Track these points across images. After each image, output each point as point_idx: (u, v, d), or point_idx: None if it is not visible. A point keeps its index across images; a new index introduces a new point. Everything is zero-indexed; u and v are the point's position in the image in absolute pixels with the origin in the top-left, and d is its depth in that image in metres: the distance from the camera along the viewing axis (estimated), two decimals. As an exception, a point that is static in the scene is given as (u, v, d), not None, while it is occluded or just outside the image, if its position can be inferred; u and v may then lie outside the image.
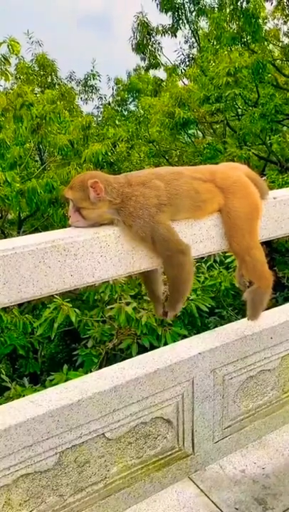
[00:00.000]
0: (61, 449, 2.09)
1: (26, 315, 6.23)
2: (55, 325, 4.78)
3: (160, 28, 13.50)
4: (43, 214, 9.69)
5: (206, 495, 2.45)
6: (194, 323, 5.64)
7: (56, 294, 4.94)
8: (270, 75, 11.64)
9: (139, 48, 13.73)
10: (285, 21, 13.29)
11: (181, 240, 2.04)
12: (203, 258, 6.54)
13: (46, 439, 2.03)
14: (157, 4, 12.99)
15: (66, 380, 3.41)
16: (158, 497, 2.43)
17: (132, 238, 1.99)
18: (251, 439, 2.77)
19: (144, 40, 13.52)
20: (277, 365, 2.77)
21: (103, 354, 5.14)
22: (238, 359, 2.57)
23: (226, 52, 11.16)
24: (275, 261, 9.88)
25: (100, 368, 3.93)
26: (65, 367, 5.00)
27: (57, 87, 14.11)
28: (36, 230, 9.73)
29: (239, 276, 2.60)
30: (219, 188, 2.17)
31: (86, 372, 4.64)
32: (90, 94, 16.52)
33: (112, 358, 5.15)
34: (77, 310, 5.00)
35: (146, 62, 14.40)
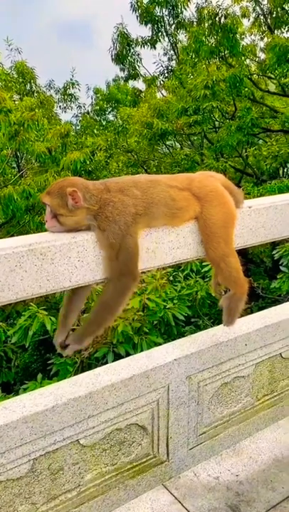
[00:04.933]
0: (34, 455, 2.06)
1: (0, 323, 6.13)
2: (30, 333, 4.72)
3: (140, 40, 13.68)
4: (19, 221, 9.62)
5: (180, 502, 2.45)
6: (170, 332, 5.64)
7: (31, 302, 4.91)
8: (247, 89, 11.89)
9: (119, 58, 13.87)
10: (261, 37, 13.65)
11: (138, 265, 2.02)
12: (180, 267, 6.59)
13: (19, 446, 2.00)
14: (137, 16, 13.17)
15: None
16: (132, 505, 2.42)
17: (101, 243, 1.96)
18: (225, 445, 2.79)
19: (123, 51, 13.67)
20: (251, 371, 2.80)
21: (78, 363, 5.09)
22: (212, 365, 2.59)
23: (204, 66, 11.40)
24: (250, 271, 10.01)
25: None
26: (40, 376, 4.93)
27: (36, 94, 14.08)
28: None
29: (215, 284, 2.63)
30: (196, 196, 2.20)
31: (61, 381, 4.58)
32: (69, 102, 16.55)
33: (87, 367, 5.10)
34: (52, 318, 4.95)
35: (126, 72, 14.55)
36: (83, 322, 2.10)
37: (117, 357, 4.69)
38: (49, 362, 5.60)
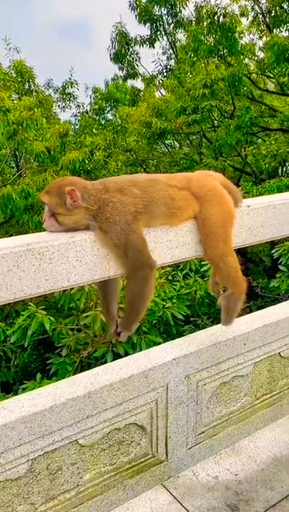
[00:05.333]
0: (33, 456, 2.06)
1: (-1, 323, 6.12)
2: (29, 333, 4.71)
3: (138, 39, 13.67)
4: (18, 221, 9.61)
5: (179, 502, 2.45)
6: (169, 332, 5.64)
7: (30, 302, 4.91)
8: (245, 88, 11.90)
9: (118, 57, 13.86)
10: (260, 36, 13.63)
11: (150, 254, 2.04)
12: (178, 266, 6.58)
13: (18, 446, 1.99)
14: (136, 15, 13.17)
15: (39, 388, 3.36)
16: (131, 505, 2.42)
17: (105, 244, 1.98)
18: (224, 445, 2.78)
19: (122, 50, 13.66)
20: (250, 371, 2.80)
21: (78, 362, 5.08)
22: (211, 365, 2.59)
23: (202, 65, 11.40)
24: (249, 270, 10.02)
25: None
26: (39, 375, 4.93)
27: (34, 94, 14.05)
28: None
29: (213, 283, 2.63)
30: (195, 195, 2.20)
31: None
32: (68, 102, 16.52)
33: (86, 366, 5.10)
34: (51, 318, 4.94)
35: (125, 71, 14.54)
36: (122, 312, 2.19)
37: (116, 356, 4.69)
38: (48, 361, 5.60)
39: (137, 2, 13.07)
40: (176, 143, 15.09)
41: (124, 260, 2.01)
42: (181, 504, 2.43)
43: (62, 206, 1.92)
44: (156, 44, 13.88)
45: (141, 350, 4.71)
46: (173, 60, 14.69)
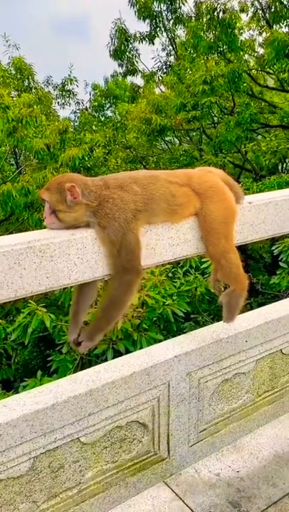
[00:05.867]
0: (35, 454, 2.05)
1: (0, 320, 6.12)
2: (29, 330, 4.71)
3: (138, 35, 13.59)
4: (18, 218, 9.59)
5: (181, 499, 2.44)
6: (170, 329, 5.64)
7: (31, 299, 4.90)
8: (245, 85, 11.86)
9: (117, 54, 13.79)
10: (260, 32, 13.59)
11: (141, 260, 2.01)
12: (179, 263, 6.58)
13: (20, 444, 1.99)
14: (135, 12, 13.09)
15: (40, 386, 3.36)
16: (133, 502, 2.42)
17: (102, 240, 1.95)
18: (226, 442, 2.78)
19: (121, 46, 13.59)
20: (251, 368, 2.80)
21: (78, 360, 5.08)
22: (213, 362, 2.58)
23: (202, 61, 11.36)
24: (249, 267, 10.01)
25: (75, 373, 3.88)
26: (39, 373, 4.93)
27: (34, 91, 14.01)
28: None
29: (214, 280, 2.62)
30: (196, 192, 2.18)
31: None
32: (67, 99, 16.44)
33: (87, 363, 5.10)
34: (52, 315, 4.94)
35: (124, 68, 14.47)
36: (92, 318, 2.09)
37: (117, 354, 4.69)
38: (49, 359, 5.60)
39: (137, -2, 13.01)
40: (176, 139, 15.07)
41: (115, 259, 1.96)
42: (183, 501, 2.43)
43: (63, 203, 1.91)
44: (156, 40, 13.81)
45: (141, 347, 4.71)
46: (172, 57, 14.64)
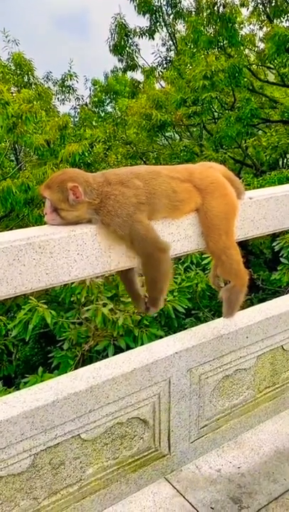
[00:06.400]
0: (35, 451, 2.05)
1: (0, 316, 6.12)
2: (30, 327, 4.71)
3: (138, 30, 13.51)
4: (18, 214, 9.58)
5: (182, 495, 2.44)
6: (171, 325, 5.64)
7: (31, 296, 4.90)
8: (246, 79, 11.80)
9: (117, 49, 13.71)
10: (260, 27, 13.50)
11: (160, 238, 2.02)
12: (180, 259, 6.56)
13: (20, 441, 1.99)
14: (135, 6, 13.00)
15: (41, 382, 3.36)
16: (134, 498, 2.42)
17: (108, 237, 1.96)
18: (227, 438, 2.78)
19: (121, 41, 13.51)
20: (252, 364, 2.79)
21: (79, 356, 5.08)
22: (214, 358, 2.57)
23: (202, 56, 11.29)
24: (250, 263, 10.00)
25: (76, 369, 3.88)
26: (40, 369, 4.93)
27: (33, 86, 13.94)
28: (11, 231, 9.58)
29: (214, 276, 2.61)
30: (197, 187, 2.17)
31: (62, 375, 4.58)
32: (67, 94, 16.37)
33: (88, 359, 5.10)
34: (52, 311, 4.94)
35: (124, 63, 14.38)
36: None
37: (118, 350, 4.69)
38: (50, 355, 5.61)
39: (136, -7, 12.93)
40: (176, 135, 15.01)
41: (132, 250, 2.01)
42: (184, 497, 2.43)
43: (65, 202, 1.89)
44: (156, 35, 13.71)
45: (142, 343, 4.71)
46: (173, 52, 14.56)
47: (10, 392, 4.42)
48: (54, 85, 16.18)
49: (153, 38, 13.71)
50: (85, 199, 1.90)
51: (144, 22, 13.98)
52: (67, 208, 1.90)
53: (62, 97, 16.37)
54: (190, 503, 2.39)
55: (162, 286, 2.13)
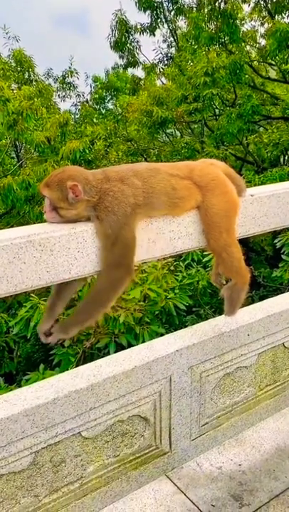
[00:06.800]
0: (36, 448, 2.05)
1: (1, 314, 6.13)
2: (32, 324, 4.71)
3: (138, 27, 13.48)
4: (19, 211, 9.57)
5: (182, 492, 2.45)
6: (172, 322, 5.64)
7: (33, 293, 4.90)
8: (247, 76, 11.76)
9: (118, 46, 13.67)
10: (262, 23, 13.44)
11: (133, 260, 1.97)
12: (181, 257, 6.56)
13: (21, 439, 1.99)
14: (136, 3, 12.97)
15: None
16: (135, 496, 2.42)
17: (98, 233, 1.92)
18: (228, 435, 2.78)
19: (122, 38, 13.47)
20: (253, 361, 2.78)
21: (80, 353, 5.08)
22: (215, 356, 2.57)
23: (203, 52, 11.24)
24: (251, 260, 9.99)
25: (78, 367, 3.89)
26: (42, 366, 4.93)
27: (34, 83, 13.92)
28: (12, 228, 9.58)
29: (215, 274, 2.60)
30: (197, 184, 2.16)
31: (63, 372, 4.58)
32: (68, 91, 16.37)
33: (89, 357, 5.10)
34: (54, 309, 4.93)
35: (125, 60, 14.35)
36: (72, 311, 2.03)
37: (119, 347, 4.69)
38: (51, 352, 5.60)
39: (137, -11, 12.88)
40: (177, 132, 14.98)
41: (107, 253, 1.93)
42: (185, 495, 2.43)
43: (64, 200, 1.88)
44: (157, 32, 13.69)
45: (144, 341, 4.71)
46: (174, 48, 14.52)
47: (11, 389, 4.43)
48: (55, 82, 16.18)
49: (154, 35, 13.69)
50: (84, 197, 1.89)
51: (144, 18, 13.98)
52: (67, 206, 1.90)
53: (63, 93, 16.39)
54: (191, 501, 2.39)
55: (97, 310, 1.99)
